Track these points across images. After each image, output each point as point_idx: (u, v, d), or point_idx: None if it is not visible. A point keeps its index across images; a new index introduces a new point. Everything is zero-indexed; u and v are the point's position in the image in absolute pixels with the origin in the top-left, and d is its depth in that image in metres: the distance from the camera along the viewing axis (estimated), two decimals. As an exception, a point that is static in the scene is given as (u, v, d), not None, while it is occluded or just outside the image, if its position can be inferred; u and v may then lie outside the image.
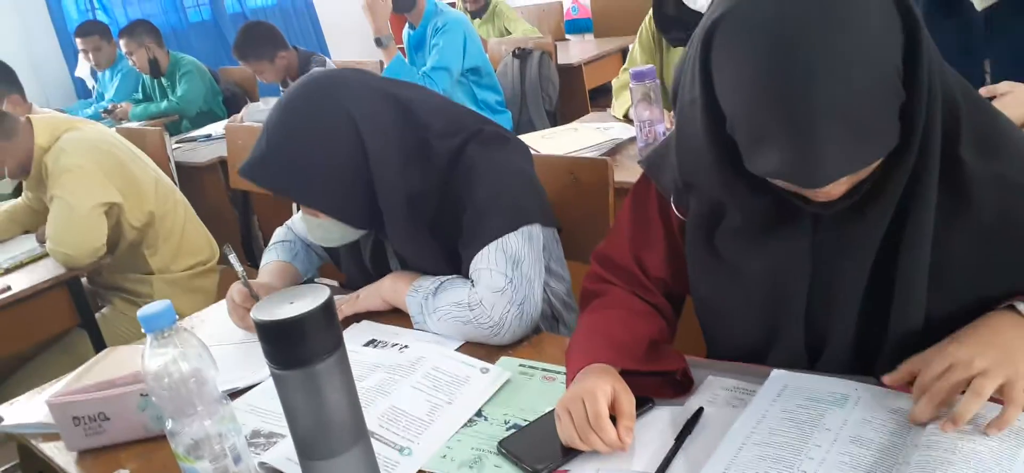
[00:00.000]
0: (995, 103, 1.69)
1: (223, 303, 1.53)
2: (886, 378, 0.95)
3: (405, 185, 1.31)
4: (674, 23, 2.36)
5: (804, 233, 0.97)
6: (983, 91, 1.72)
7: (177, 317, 0.93)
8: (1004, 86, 1.70)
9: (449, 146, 1.34)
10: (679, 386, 1.07)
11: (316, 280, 1.73)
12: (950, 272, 0.93)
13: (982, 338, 0.89)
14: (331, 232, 1.39)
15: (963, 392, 0.86)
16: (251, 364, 1.31)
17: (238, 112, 3.81)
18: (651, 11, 2.42)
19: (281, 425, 0.87)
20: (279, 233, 1.68)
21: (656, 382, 1.07)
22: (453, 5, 4.44)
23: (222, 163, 3.19)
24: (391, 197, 1.30)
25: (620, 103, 2.51)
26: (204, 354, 0.94)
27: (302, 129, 1.28)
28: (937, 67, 0.85)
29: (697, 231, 1.07)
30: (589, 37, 4.73)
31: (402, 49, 3.33)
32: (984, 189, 0.89)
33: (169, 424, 0.93)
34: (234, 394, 1.24)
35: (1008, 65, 1.77)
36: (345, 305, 1.43)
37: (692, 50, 0.91)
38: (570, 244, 1.57)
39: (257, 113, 3.40)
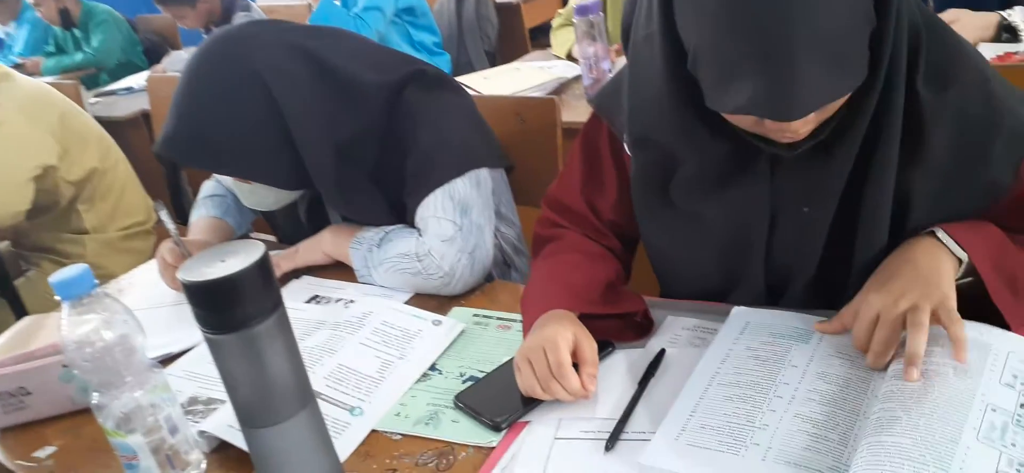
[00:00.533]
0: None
1: (155, 263, 1.43)
2: (819, 326, 0.93)
3: (332, 136, 1.23)
4: None
5: (763, 176, 0.93)
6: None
7: (97, 282, 0.85)
8: (949, 15, 1.70)
9: (382, 89, 1.26)
10: (639, 328, 1.04)
11: (251, 235, 1.64)
12: (908, 206, 0.90)
13: (900, 275, 0.86)
14: (265, 197, 1.32)
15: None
16: (185, 327, 1.23)
17: (159, 63, 3.62)
18: None
19: (221, 390, 0.81)
20: (208, 186, 1.58)
21: (616, 325, 1.03)
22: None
23: (145, 116, 3.03)
24: (316, 152, 1.23)
25: (561, 41, 2.44)
26: (129, 320, 0.87)
27: (209, 97, 1.20)
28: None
29: (649, 184, 1.02)
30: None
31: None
32: (937, 121, 0.86)
33: (95, 398, 0.86)
34: (168, 360, 1.17)
35: (951, -8, 1.77)
36: (283, 260, 1.36)
37: None
38: (518, 187, 1.52)
39: (180, 63, 3.23)
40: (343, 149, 1.25)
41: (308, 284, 1.32)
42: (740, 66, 0.75)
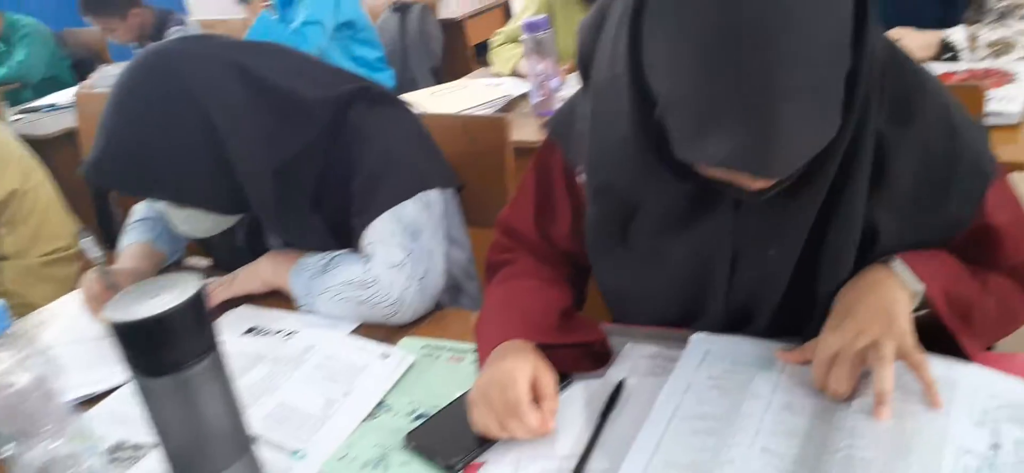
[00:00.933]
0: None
1: (78, 293, 1.34)
2: (781, 355, 0.90)
3: (271, 157, 1.17)
4: None
5: (725, 216, 0.89)
6: (876, 39, 1.73)
7: (11, 322, 0.78)
8: (894, 34, 1.71)
9: (325, 106, 1.21)
10: (597, 358, 0.99)
11: (186, 261, 1.56)
12: (871, 238, 0.88)
13: (857, 312, 0.83)
14: (200, 223, 1.24)
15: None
16: (111, 364, 1.13)
17: (88, 79, 3.48)
18: None
19: (150, 434, 0.74)
20: (139, 209, 1.49)
21: (573, 354, 0.99)
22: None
23: (72, 135, 2.89)
24: (255, 174, 1.16)
25: (504, 58, 2.39)
26: (49, 361, 0.80)
27: (139, 117, 1.13)
28: (875, 32, 0.76)
29: (606, 228, 0.97)
30: (469, -10, 4.60)
31: (270, 5, 3.09)
32: (900, 156, 0.84)
33: (9, 449, 0.78)
34: (92, 401, 1.08)
35: (896, 4, 1.79)
36: (219, 288, 1.28)
37: (614, 19, 0.79)
38: (468, 208, 1.47)
39: (110, 78, 3.09)
40: (284, 170, 1.19)
41: (246, 314, 1.25)
42: (718, 119, 0.70)
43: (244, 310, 1.26)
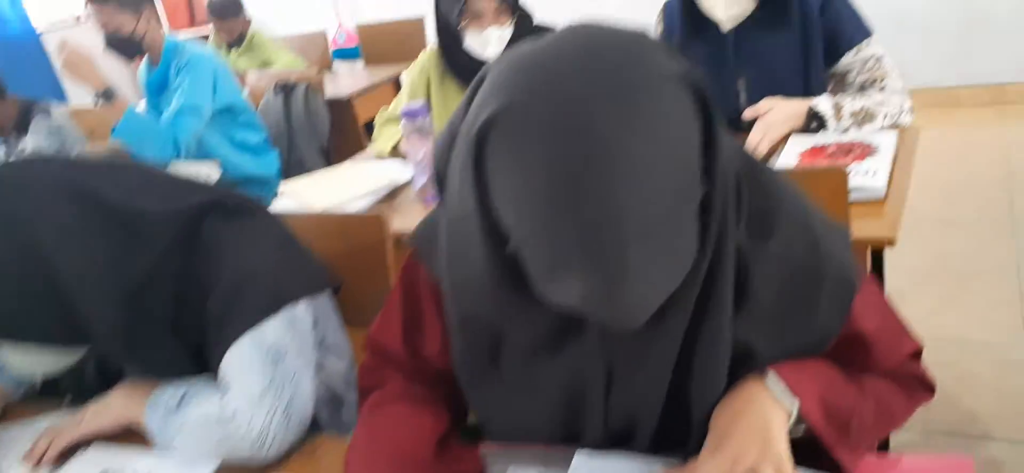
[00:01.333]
0: (759, 123, 1.73)
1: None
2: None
3: (115, 282, 1.07)
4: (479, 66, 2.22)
5: (592, 339, 0.86)
6: (747, 113, 1.76)
7: None
8: (765, 104, 1.75)
9: (171, 221, 1.12)
10: (476, 489, 0.93)
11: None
12: (746, 358, 0.85)
13: (733, 435, 0.81)
14: (39, 360, 1.13)
15: None
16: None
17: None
18: (429, 51, 2.25)
19: None
20: (-22, 342, 1.35)
21: (450, 486, 0.92)
22: (206, 39, 4.08)
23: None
24: (96, 302, 1.06)
25: (387, 136, 2.31)
26: None
27: None
28: (728, 151, 0.74)
29: (474, 357, 0.93)
30: (359, 66, 4.54)
31: (140, 101, 2.96)
32: (761, 272, 0.82)
33: None
34: None
35: (760, 83, 1.84)
36: (66, 431, 1.15)
37: (460, 154, 0.74)
38: (347, 308, 1.39)
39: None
40: (132, 296, 1.09)
41: (96, 458, 1.13)
42: (566, 264, 0.66)
43: (95, 452, 1.14)
